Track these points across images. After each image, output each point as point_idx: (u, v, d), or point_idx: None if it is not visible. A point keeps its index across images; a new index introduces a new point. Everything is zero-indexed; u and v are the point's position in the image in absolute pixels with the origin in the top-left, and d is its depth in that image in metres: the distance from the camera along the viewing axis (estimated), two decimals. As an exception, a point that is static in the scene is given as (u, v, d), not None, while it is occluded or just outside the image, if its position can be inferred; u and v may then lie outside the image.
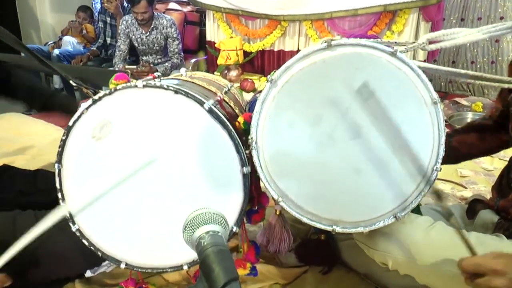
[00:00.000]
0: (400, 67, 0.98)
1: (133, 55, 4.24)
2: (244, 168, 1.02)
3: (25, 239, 0.82)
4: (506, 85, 1.13)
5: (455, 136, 1.44)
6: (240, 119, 1.07)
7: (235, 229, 1.07)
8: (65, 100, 1.44)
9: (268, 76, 1.02)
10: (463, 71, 1.11)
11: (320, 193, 1.05)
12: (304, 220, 1.06)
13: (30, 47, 4.66)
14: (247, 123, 1.05)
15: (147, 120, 1.03)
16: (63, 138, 1.03)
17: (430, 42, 1.07)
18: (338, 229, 1.06)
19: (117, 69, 4.01)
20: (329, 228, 1.06)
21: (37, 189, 1.49)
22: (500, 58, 3.92)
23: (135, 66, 3.92)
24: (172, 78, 1.25)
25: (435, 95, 0.99)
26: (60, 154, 1.03)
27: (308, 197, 1.05)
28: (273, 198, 1.06)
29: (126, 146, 1.04)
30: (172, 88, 1.00)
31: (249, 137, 1.03)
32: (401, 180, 1.02)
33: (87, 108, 1.02)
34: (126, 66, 3.95)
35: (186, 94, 1.00)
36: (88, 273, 1.46)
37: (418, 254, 1.09)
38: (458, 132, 1.47)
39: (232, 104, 1.24)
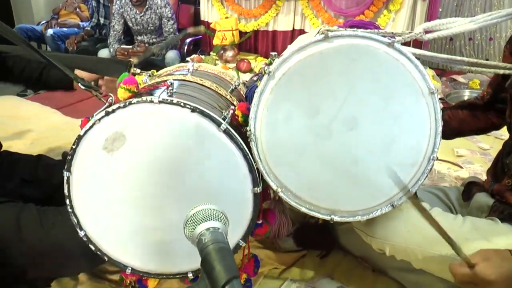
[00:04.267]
0: (398, 57, 0.98)
1: (128, 35, 4.20)
2: (256, 188, 1.03)
3: None
4: (501, 71, 1.13)
5: (448, 110, 1.46)
6: (238, 112, 1.07)
7: (241, 243, 1.08)
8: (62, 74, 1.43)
9: (266, 68, 1.02)
10: (458, 58, 1.11)
11: (318, 183, 1.06)
12: (303, 209, 1.08)
13: (23, 27, 4.61)
14: (245, 115, 1.05)
15: (161, 136, 1.02)
16: (73, 146, 1.01)
17: (426, 32, 1.07)
18: (336, 218, 1.07)
19: (111, 49, 3.98)
20: (327, 217, 1.07)
21: (38, 177, 1.49)
22: (498, 35, 3.89)
23: (130, 46, 3.88)
24: (181, 80, 1.24)
25: (432, 86, 0.99)
26: (69, 162, 1.02)
27: (306, 187, 1.06)
28: (272, 188, 1.07)
29: (138, 160, 1.03)
30: (189, 107, 0.98)
31: (248, 129, 1.03)
32: (398, 169, 1.03)
33: (99, 119, 1.00)
34: (121, 46, 3.91)
35: (202, 113, 0.99)
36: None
37: (415, 241, 1.11)
38: (451, 108, 1.49)
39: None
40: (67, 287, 1.39)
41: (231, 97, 1.26)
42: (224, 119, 1.00)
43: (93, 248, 1.09)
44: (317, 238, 1.56)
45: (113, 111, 1.00)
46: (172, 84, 1.08)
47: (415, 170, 1.04)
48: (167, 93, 1.04)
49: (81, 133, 1.01)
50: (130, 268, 1.11)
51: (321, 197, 1.07)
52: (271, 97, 1.01)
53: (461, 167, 2.27)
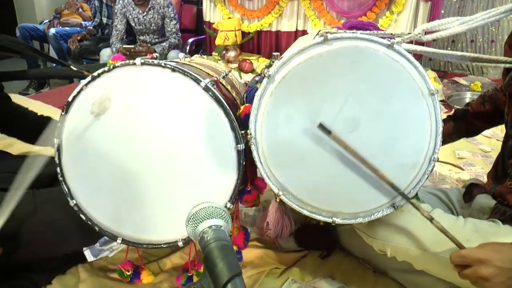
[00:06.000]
0: (397, 59, 0.98)
1: (130, 34, 4.20)
2: (239, 145, 1.05)
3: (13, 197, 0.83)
4: (502, 65, 1.13)
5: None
6: (239, 112, 1.08)
7: (228, 205, 1.09)
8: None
9: (265, 71, 1.03)
10: (459, 53, 1.10)
11: (320, 185, 1.07)
12: (305, 212, 1.08)
13: (26, 26, 4.63)
14: (246, 116, 1.06)
15: (144, 97, 1.06)
16: (63, 113, 1.06)
17: (426, 33, 1.07)
18: (338, 221, 1.08)
19: (114, 49, 3.98)
20: (329, 220, 1.08)
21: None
22: (500, 37, 3.88)
23: (132, 46, 3.89)
24: (170, 61, 1.26)
25: (432, 87, 0.99)
26: (59, 130, 1.06)
27: (307, 190, 1.07)
28: (273, 191, 1.08)
29: (124, 122, 1.06)
30: (169, 66, 1.02)
31: (248, 132, 1.04)
32: (399, 171, 1.03)
33: (86, 84, 1.05)
34: (124, 46, 3.92)
35: (183, 72, 1.02)
36: (91, 258, 1.48)
37: (416, 242, 1.11)
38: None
39: (229, 88, 1.25)
40: (69, 284, 1.39)
41: (219, 78, 1.27)
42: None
43: (84, 218, 1.11)
44: (318, 239, 1.56)
45: (99, 75, 1.05)
46: (156, 57, 1.14)
47: (416, 171, 1.04)
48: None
49: (69, 100, 1.05)
50: (120, 238, 1.13)
51: (322, 199, 1.07)
52: (271, 100, 1.02)
53: (462, 169, 2.27)
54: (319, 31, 1.10)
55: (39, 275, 1.37)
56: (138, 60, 1.02)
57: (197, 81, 1.02)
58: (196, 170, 1.08)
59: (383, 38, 0.99)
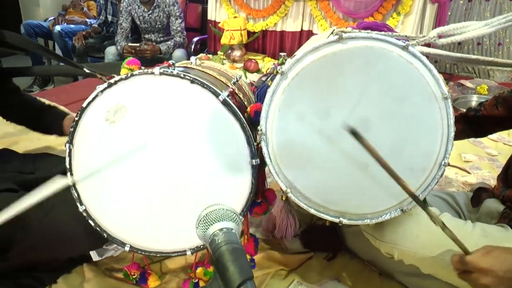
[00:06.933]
0: (411, 61, 0.97)
1: (136, 33, 4.20)
2: (253, 160, 1.04)
3: (21, 205, 0.83)
4: (509, 68, 1.12)
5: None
6: (247, 112, 1.07)
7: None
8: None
9: (278, 68, 1.02)
10: (473, 57, 1.10)
11: (328, 185, 1.06)
12: (312, 211, 1.07)
13: (31, 23, 4.65)
14: (256, 113, 1.05)
15: (161, 107, 1.04)
16: (76, 118, 1.04)
17: (440, 36, 1.06)
18: (345, 221, 1.07)
19: (119, 47, 3.97)
20: (336, 220, 1.07)
21: (36, 168, 1.50)
22: (507, 40, 3.86)
23: (137, 44, 3.88)
24: (184, 67, 1.25)
25: (446, 91, 0.98)
26: (72, 134, 1.05)
27: (315, 189, 1.06)
28: (281, 189, 1.07)
29: (139, 131, 1.05)
30: (188, 78, 1.00)
31: (259, 129, 1.03)
32: (408, 174, 1.02)
33: (102, 91, 1.03)
34: (129, 44, 3.91)
35: (202, 85, 1.01)
36: (96, 257, 1.47)
37: (424, 246, 1.10)
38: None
39: (241, 96, 1.24)
40: (74, 284, 1.39)
41: (232, 85, 1.26)
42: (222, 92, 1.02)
43: (92, 224, 1.11)
44: (324, 240, 1.55)
45: (115, 82, 1.03)
46: (173, 64, 1.12)
47: (426, 175, 1.03)
48: (168, 68, 1.06)
49: (84, 105, 1.03)
50: (128, 245, 1.12)
51: (330, 199, 1.07)
52: (283, 97, 1.01)
53: (469, 173, 2.25)
54: (333, 30, 1.09)
55: (44, 274, 1.37)
56: (156, 70, 1.01)
57: (216, 94, 1.01)
58: (208, 182, 1.07)
59: (398, 39, 0.98)
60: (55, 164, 1.48)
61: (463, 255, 0.93)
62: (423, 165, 1.03)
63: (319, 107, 1.01)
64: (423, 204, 0.92)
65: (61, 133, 1.62)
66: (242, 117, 1.02)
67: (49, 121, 1.64)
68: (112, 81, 1.02)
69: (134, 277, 1.34)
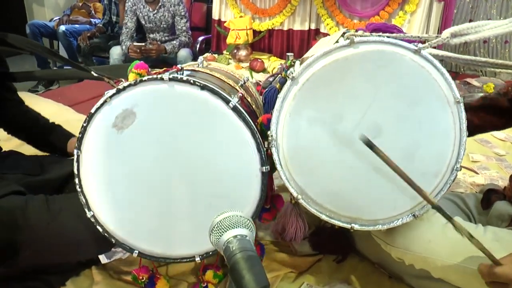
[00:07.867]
0: (424, 65, 0.96)
1: (140, 32, 4.20)
2: (264, 167, 1.03)
3: None
4: None
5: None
6: (259, 121, 1.07)
7: None
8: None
9: (289, 72, 1.01)
10: (483, 59, 1.08)
11: (339, 191, 1.05)
12: (323, 217, 1.07)
13: (36, 23, 4.66)
14: (268, 121, 1.04)
15: (171, 114, 1.03)
16: (84, 124, 1.03)
17: (454, 36, 1.04)
18: (357, 227, 1.06)
19: (124, 47, 3.96)
20: (347, 226, 1.06)
21: (43, 170, 1.50)
22: (514, 38, 3.85)
23: (143, 44, 3.88)
24: (191, 70, 1.24)
25: (458, 95, 0.97)
26: (80, 140, 1.04)
27: (327, 195, 1.05)
28: (291, 195, 1.06)
29: (148, 138, 1.04)
30: (198, 84, 1.00)
31: (269, 134, 1.02)
32: (420, 179, 1.01)
33: (110, 97, 1.02)
34: (134, 44, 3.91)
35: (212, 91, 1.00)
36: (104, 260, 1.47)
37: (436, 251, 1.09)
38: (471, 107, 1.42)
39: (249, 99, 1.24)
40: (82, 286, 1.39)
41: (239, 88, 1.26)
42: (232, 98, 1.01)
43: (100, 229, 1.10)
44: (333, 242, 1.54)
45: (124, 89, 1.02)
46: (182, 68, 1.11)
47: (438, 180, 1.02)
48: (177, 73, 1.05)
49: (92, 111, 1.02)
50: (137, 251, 1.12)
51: (342, 205, 1.06)
52: (294, 103, 1.01)
53: (477, 173, 2.24)
54: (343, 33, 1.08)
55: (53, 277, 1.36)
56: (166, 76, 1.00)
57: (226, 101, 1.00)
58: (218, 188, 1.06)
59: (410, 42, 0.97)
60: (62, 167, 1.47)
61: (492, 265, 0.92)
62: (435, 169, 1.02)
63: (331, 112, 1.00)
64: (448, 215, 0.90)
65: (65, 154, 1.62)
66: (253, 124, 1.02)
67: (53, 141, 1.63)
68: (120, 87, 1.01)
69: (142, 280, 1.33)
